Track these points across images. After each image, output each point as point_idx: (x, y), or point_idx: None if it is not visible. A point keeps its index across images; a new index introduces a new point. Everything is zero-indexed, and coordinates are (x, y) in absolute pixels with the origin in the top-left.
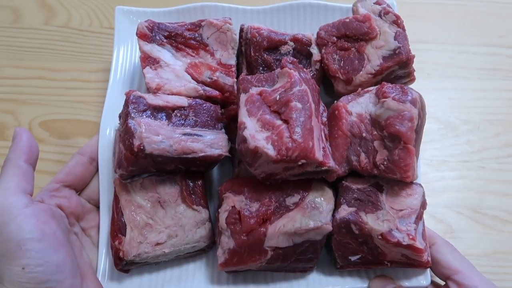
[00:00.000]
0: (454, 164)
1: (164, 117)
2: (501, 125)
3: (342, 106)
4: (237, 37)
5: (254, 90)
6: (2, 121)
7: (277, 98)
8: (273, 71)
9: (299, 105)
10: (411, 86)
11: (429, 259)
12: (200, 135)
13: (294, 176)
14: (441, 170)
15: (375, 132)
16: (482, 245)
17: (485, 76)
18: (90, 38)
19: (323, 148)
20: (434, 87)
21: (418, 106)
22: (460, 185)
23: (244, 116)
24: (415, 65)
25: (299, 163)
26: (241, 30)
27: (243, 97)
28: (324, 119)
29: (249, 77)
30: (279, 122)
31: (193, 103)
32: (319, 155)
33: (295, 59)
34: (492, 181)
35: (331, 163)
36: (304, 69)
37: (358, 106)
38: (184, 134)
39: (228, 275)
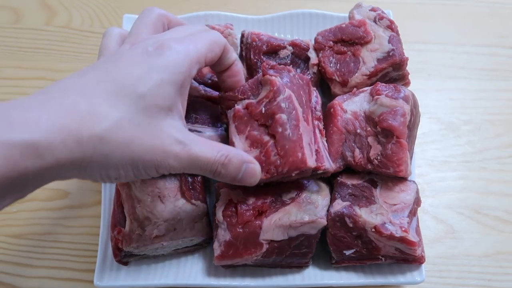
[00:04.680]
0: (455, 164)
1: None
2: (502, 126)
3: (338, 104)
4: (238, 41)
5: (240, 105)
6: None
7: (263, 111)
8: (256, 76)
9: (284, 117)
10: (411, 86)
11: (423, 254)
12: (200, 131)
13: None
14: (442, 171)
15: (369, 128)
16: (483, 246)
17: (486, 77)
18: (91, 38)
19: (316, 150)
20: (435, 87)
21: (411, 103)
22: (461, 185)
23: (233, 134)
24: (416, 66)
25: (293, 174)
26: (242, 35)
27: (230, 113)
28: (318, 112)
29: (230, 93)
30: (266, 138)
31: (194, 101)
32: (311, 162)
33: (274, 63)
34: (493, 181)
35: (325, 164)
36: (287, 68)
37: (353, 105)
38: None
39: (225, 270)
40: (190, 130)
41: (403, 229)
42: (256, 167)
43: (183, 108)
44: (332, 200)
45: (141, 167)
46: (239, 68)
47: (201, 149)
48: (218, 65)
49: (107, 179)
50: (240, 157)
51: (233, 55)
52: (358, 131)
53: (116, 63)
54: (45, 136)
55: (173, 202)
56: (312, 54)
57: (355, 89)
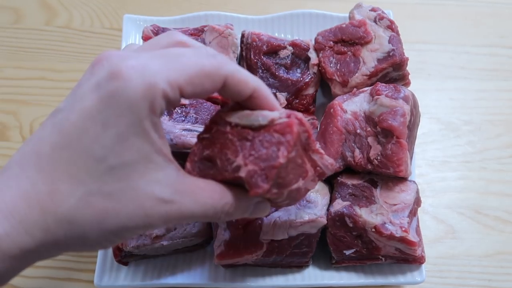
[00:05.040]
0: (455, 164)
1: (166, 113)
2: (503, 126)
3: (338, 104)
4: (238, 41)
5: None
6: (3, 122)
7: None
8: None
9: None
10: (411, 86)
11: (423, 254)
12: (200, 131)
13: None
14: (442, 171)
15: (369, 129)
16: (483, 246)
17: (486, 77)
18: (91, 38)
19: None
20: (435, 87)
21: (411, 103)
22: (461, 185)
23: None
24: (416, 66)
25: None
26: (242, 35)
27: None
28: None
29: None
30: None
31: (194, 102)
32: None
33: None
34: (493, 181)
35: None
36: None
37: (353, 105)
38: (185, 130)
39: (225, 270)
40: (190, 130)
41: (403, 229)
42: (266, 204)
43: (164, 145)
44: (332, 200)
45: (127, 234)
46: (263, 95)
47: (198, 201)
48: (229, 97)
49: (97, 249)
50: (247, 201)
51: (249, 86)
52: (358, 131)
53: (69, 112)
54: (6, 231)
55: None
56: (312, 54)
57: (355, 89)
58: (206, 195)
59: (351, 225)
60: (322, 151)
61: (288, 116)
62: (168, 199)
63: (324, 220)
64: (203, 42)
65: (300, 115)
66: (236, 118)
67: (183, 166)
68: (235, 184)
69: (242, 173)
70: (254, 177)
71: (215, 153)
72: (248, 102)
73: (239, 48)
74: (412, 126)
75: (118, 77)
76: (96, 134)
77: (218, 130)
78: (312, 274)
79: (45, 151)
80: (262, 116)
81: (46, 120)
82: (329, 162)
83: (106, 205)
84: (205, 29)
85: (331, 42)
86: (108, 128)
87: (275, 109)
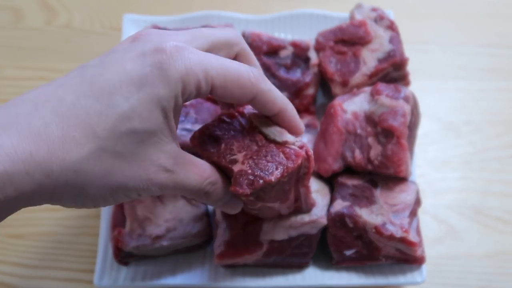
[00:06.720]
0: (455, 165)
1: None
2: (503, 126)
3: (338, 104)
4: None
5: None
6: None
7: None
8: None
9: None
10: (412, 86)
11: (424, 255)
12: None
13: None
14: (442, 171)
15: (369, 129)
16: (484, 246)
17: (486, 77)
18: (92, 38)
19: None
20: (436, 88)
21: (411, 104)
22: (462, 186)
23: None
24: (416, 66)
25: None
26: (243, 35)
27: None
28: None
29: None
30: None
31: (194, 102)
32: None
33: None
34: (494, 182)
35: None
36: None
37: (353, 105)
38: (184, 130)
39: (225, 270)
40: (190, 130)
41: (404, 229)
42: (239, 203)
43: (174, 125)
44: (333, 200)
45: (121, 194)
46: (287, 117)
47: (189, 176)
48: (255, 109)
49: (84, 207)
50: (225, 191)
51: (275, 106)
52: (358, 131)
53: (103, 69)
54: (5, 166)
55: (173, 202)
56: (312, 54)
57: (355, 89)
58: (197, 171)
59: (351, 225)
60: (311, 189)
61: (301, 147)
62: (169, 169)
63: (324, 221)
64: None
65: (310, 152)
66: (258, 122)
67: None
68: (223, 172)
69: (235, 168)
70: (242, 178)
71: (225, 138)
72: (273, 118)
73: None
74: (413, 126)
75: (164, 53)
76: (130, 94)
77: (239, 122)
78: (312, 274)
79: (69, 97)
80: (279, 134)
81: (70, 72)
82: (310, 202)
83: (114, 162)
84: None
85: (332, 42)
86: (143, 93)
87: (296, 132)
